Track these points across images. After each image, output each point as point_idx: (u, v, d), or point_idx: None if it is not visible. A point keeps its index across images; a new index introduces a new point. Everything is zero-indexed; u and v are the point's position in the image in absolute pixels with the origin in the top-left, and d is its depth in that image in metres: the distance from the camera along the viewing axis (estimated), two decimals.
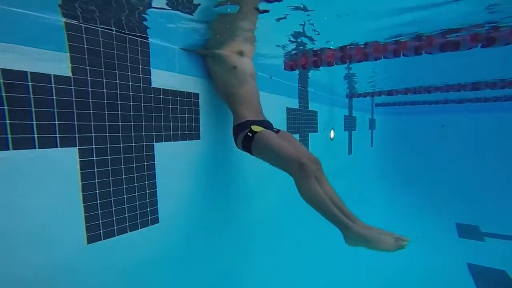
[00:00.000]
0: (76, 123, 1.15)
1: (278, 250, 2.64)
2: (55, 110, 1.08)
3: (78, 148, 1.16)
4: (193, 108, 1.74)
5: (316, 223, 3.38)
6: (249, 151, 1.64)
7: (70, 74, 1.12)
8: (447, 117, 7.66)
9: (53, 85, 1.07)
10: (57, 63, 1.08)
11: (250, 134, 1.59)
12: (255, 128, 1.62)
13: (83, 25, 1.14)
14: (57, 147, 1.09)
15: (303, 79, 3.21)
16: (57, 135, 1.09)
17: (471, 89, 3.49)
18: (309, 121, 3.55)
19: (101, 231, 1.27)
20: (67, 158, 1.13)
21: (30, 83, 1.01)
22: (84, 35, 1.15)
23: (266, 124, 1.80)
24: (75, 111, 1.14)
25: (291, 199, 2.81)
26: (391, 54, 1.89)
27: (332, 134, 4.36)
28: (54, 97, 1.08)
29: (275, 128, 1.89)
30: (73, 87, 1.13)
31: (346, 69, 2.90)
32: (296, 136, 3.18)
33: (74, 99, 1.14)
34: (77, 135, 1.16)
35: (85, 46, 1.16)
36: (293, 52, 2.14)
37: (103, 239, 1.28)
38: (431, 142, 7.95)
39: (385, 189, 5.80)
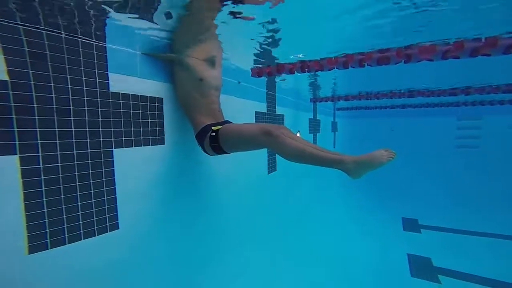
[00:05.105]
0: (16, 129, 1.00)
1: (242, 256, 2.55)
2: None
3: (19, 156, 1.01)
4: (156, 113, 1.62)
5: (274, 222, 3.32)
6: (221, 151, 1.54)
7: (7, 78, 0.97)
8: (396, 121, 8.17)
9: None
10: None
11: (214, 134, 1.50)
12: (215, 128, 1.53)
13: (21, 26, 0.99)
14: None
15: (271, 84, 3.20)
16: None
17: (408, 96, 3.73)
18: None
19: (48, 240, 1.12)
20: (5, 166, 0.98)
21: None
22: (24, 38, 1.00)
23: (226, 123, 1.73)
24: (14, 117, 0.99)
25: (251, 204, 2.76)
26: (341, 65, 1.94)
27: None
28: None
29: None
30: (11, 92, 0.98)
31: (310, 76, 2.94)
32: None
33: (13, 104, 0.99)
34: (17, 142, 1.00)
35: (26, 49, 1.01)
36: (260, 60, 2.11)
37: (51, 248, 1.13)
38: (383, 143, 8.41)
39: (343, 187, 5.98)
